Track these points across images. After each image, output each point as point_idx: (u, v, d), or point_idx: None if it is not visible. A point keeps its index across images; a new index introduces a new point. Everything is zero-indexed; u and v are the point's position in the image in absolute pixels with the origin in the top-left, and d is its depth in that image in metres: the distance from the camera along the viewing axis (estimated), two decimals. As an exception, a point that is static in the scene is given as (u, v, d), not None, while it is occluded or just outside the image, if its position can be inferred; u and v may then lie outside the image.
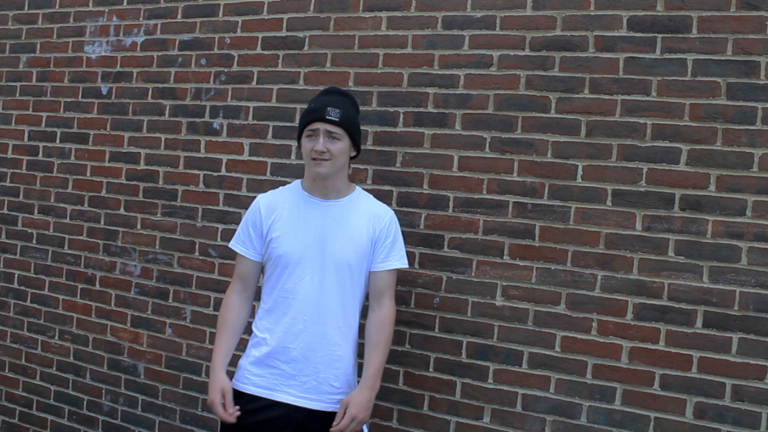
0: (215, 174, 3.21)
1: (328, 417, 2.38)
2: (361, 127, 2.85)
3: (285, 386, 2.40)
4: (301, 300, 2.40)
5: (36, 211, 3.66)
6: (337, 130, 2.38)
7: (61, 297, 3.57)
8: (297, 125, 2.80)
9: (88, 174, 3.52)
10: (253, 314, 2.63)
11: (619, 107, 2.51)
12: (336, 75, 2.97)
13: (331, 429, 2.34)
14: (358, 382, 2.47)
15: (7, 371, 3.72)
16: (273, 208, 2.49)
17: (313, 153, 2.37)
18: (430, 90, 2.79)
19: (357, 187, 2.58)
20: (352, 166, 2.88)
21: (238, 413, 2.40)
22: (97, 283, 3.48)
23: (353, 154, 2.51)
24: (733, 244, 2.35)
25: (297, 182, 2.58)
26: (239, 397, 2.44)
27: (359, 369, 2.54)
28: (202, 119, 3.25)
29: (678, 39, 2.44)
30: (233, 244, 2.57)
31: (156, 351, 3.31)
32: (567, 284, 2.56)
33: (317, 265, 2.40)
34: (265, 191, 3.03)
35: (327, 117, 2.36)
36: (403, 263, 2.53)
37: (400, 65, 2.85)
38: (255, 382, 2.43)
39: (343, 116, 2.38)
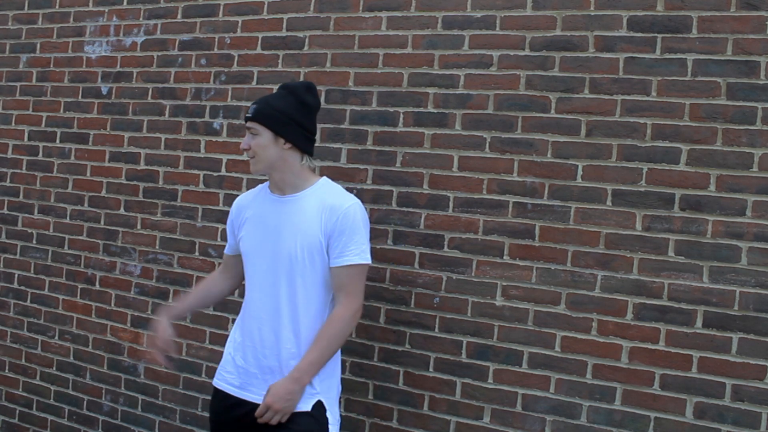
0: (215, 174, 3.21)
1: (290, 416, 2.31)
2: (361, 127, 2.87)
3: (249, 384, 2.40)
4: (257, 297, 2.42)
5: (36, 211, 3.66)
6: (253, 126, 2.40)
7: (61, 297, 3.57)
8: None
9: (88, 174, 3.52)
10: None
11: (619, 107, 2.51)
12: (336, 75, 2.96)
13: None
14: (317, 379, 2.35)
15: (7, 371, 3.73)
16: (243, 207, 2.55)
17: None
18: (430, 90, 2.79)
19: (321, 179, 2.47)
20: (353, 165, 2.88)
21: (170, 362, 2.61)
22: (97, 283, 3.48)
23: (287, 146, 2.38)
24: (733, 244, 2.35)
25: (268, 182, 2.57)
26: (216, 394, 2.49)
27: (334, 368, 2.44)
28: (202, 119, 3.25)
29: (678, 39, 2.44)
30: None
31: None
32: (567, 284, 2.56)
33: (270, 261, 2.39)
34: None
35: (246, 115, 2.42)
36: (361, 259, 2.36)
37: (400, 65, 2.85)
38: (226, 379, 2.47)
39: (257, 111, 2.38)
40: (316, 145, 2.56)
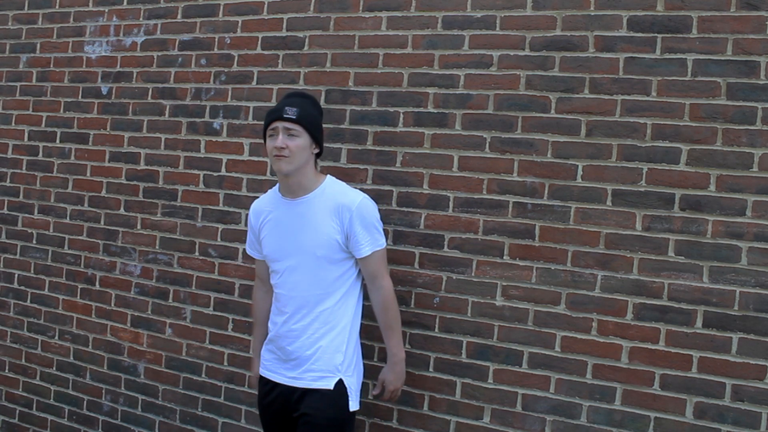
0: (215, 174, 3.21)
1: (306, 392, 2.51)
2: (361, 128, 2.87)
3: (281, 368, 2.59)
4: (285, 294, 2.58)
5: (36, 211, 3.66)
6: (294, 127, 2.50)
7: (61, 297, 3.57)
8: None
9: (88, 174, 3.52)
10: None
11: (619, 107, 2.51)
12: (336, 75, 2.96)
13: (373, 393, 2.67)
14: (341, 359, 2.52)
15: (7, 371, 3.72)
16: (260, 212, 2.69)
17: (274, 150, 2.50)
18: (430, 90, 2.79)
19: (327, 178, 2.60)
20: (353, 165, 2.89)
21: None
22: (97, 283, 3.48)
23: (316, 150, 2.57)
24: (733, 244, 2.35)
25: (278, 184, 2.68)
26: (259, 381, 2.68)
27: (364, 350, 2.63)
28: (202, 119, 3.25)
29: (678, 39, 2.44)
30: (247, 250, 2.81)
31: (156, 351, 3.31)
32: (567, 284, 2.56)
33: (293, 260, 2.55)
34: (265, 191, 3.05)
35: (285, 115, 2.50)
36: (381, 245, 2.57)
37: (400, 65, 2.85)
38: (265, 365, 2.65)
39: (300, 114, 2.50)
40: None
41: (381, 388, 2.67)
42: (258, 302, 2.82)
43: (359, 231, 2.50)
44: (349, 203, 2.51)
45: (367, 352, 2.72)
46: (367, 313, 2.67)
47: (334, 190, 2.56)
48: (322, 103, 2.89)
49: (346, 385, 2.51)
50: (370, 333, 2.76)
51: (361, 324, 2.63)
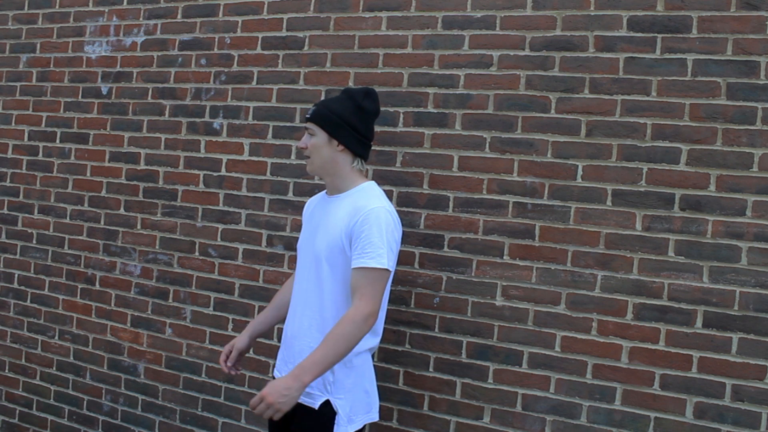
0: (215, 174, 3.21)
1: (297, 407, 2.30)
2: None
3: (284, 370, 2.47)
4: (295, 291, 2.53)
5: (36, 211, 3.67)
6: (310, 126, 2.47)
7: (61, 297, 3.57)
8: (297, 125, 2.93)
9: (88, 174, 3.52)
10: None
11: (619, 107, 2.51)
12: (336, 75, 2.97)
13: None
14: (331, 378, 2.35)
15: (7, 371, 3.73)
16: (308, 207, 2.67)
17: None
18: (430, 90, 2.79)
19: (366, 183, 2.47)
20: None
21: (233, 372, 2.67)
22: (97, 283, 3.48)
23: (339, 148, 2.42)
24: (733, 244, 2.35)
25: None
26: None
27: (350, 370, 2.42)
28: (202, 119, 3.25)
29: (678, 39, 2.44)
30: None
31: (156, 351, 3.32)
32: (567, 284, 2.56)
33: (306, 259, 2.49)
34: (266, 191, 3.05)
35: (305, 116, 2.50)
36: (377, 263, 2.29)
37: (400, 65, 2.85)
38: (277, 365, 2.58)
39: (315, 112, 2.46)
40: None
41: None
42: (283, 287, 2.73)
43: (360, 238, 2.30)
44: (362, 206, 2.34)
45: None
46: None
47: (362, 195, 2.40)
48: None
49: (335, 408, 2.34)
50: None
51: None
